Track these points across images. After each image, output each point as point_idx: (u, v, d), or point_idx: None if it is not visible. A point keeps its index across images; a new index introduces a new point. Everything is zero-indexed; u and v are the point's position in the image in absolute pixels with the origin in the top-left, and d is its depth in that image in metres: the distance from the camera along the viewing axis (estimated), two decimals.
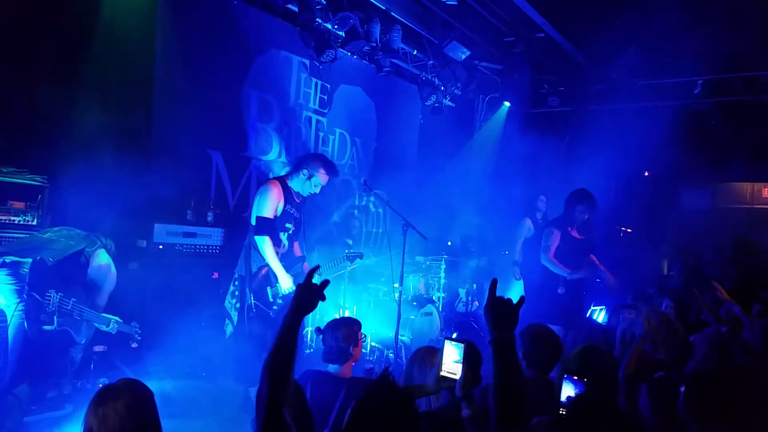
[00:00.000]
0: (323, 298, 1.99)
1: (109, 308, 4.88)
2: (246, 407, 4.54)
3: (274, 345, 1.87)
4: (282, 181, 4.73)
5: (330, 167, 4.78)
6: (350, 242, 6.68)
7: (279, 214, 4.63)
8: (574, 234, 5.87)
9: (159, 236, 5.12)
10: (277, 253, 4.58)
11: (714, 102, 8.52)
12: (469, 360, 2.15)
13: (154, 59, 5.30)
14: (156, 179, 4.67)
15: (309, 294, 1.97)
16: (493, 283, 1.93)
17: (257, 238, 4.52)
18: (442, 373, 2.10)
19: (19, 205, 4.13)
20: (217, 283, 5.35)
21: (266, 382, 1.82)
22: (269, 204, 4.55)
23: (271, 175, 6.61)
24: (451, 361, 2.10)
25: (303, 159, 4.84)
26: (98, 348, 4.75)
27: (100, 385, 4.51)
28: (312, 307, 1.97)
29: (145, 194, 3.88)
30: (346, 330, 3.23)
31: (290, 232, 4.77)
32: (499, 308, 1.88)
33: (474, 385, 2.35)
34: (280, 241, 4.69)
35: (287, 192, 4.68)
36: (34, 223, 4.16)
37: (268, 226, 4.54)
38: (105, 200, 4.32)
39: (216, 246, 5.41)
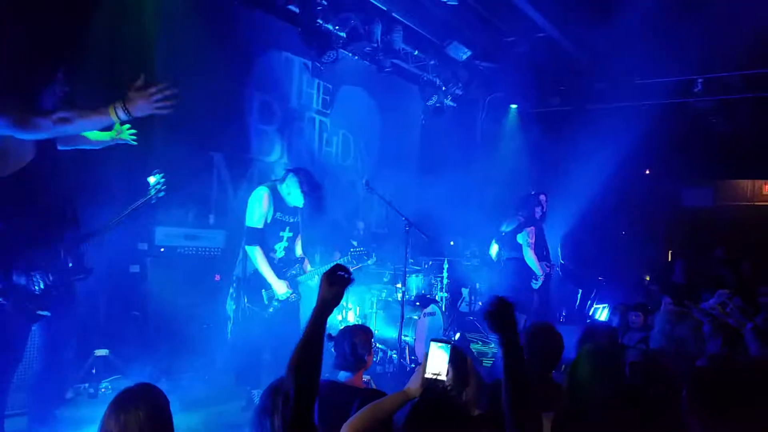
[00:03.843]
0: (349, 282, 1.90)
1: (110, 310, 4.89)
2: (249, 409, 4.53)
3: (300, 344, 1.79)
4: (273, 187, 4.52)
5: (310, 188, 4.51)
6: (355, 243, 6.60)
7: (269, 221, 4.46)
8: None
9: (160, 239, 5.11)
10: (272, 259, 4.46)
11: (715, 99, 8.51)
12: (455, 361, 2.13)
13: (154, 60, 5.28)
14: None
15: (334, 285, 1.87)
16: (495, 300, 1.95)
17: (247, 247, 4.42)
18: (427, 375, 2.05)
19: None
20: (219, 285, 5.35)
21: (293, 383, 1.73)
22: (256, 213, 4.40)
23: (273, 177, 6.60)
24: (437, 363, 2.06)
25: (289, 172, 4.60)
26: (100, 352, 4.74)
27: (104, 388, 4.55)
28: (338, 298, 1.89)
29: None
30: (363, 337, 3.08)
31: (286, 238, 4.61)
32: (499, 315, 1.93)
33: (462, 387, 2.32)
34: (273, 249, 4.55)
35: (277, 199, 4.49)
36: None
37: (257, 236, 4.41)
38: (105, 202, 4.29)
39: (218, 248, 5.40)
